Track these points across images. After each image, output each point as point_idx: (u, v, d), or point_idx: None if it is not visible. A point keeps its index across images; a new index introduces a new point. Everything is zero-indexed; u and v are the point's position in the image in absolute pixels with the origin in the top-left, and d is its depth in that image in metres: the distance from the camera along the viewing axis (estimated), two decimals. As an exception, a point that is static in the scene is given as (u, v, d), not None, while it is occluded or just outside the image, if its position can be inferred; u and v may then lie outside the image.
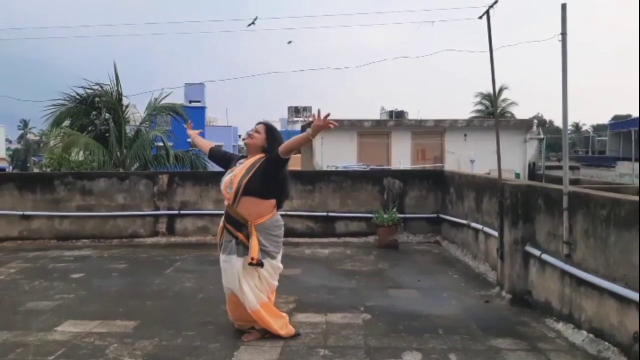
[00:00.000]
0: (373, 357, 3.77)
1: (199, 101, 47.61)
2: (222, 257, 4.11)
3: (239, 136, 63.99)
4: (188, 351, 3.88)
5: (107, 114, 14.97)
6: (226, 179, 4.01)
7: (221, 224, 4.16)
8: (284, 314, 4.32)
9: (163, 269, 6.59)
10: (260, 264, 3.87)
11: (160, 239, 8.65)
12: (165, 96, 15.84)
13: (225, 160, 4.30)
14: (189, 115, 17.42)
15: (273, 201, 4.06)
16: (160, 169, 14.42)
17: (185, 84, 41.81)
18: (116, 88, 14.63)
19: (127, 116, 15.39)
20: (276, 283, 4.17)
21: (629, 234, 3.62)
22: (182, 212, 8.75)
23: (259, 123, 4.18)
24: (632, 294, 3.52)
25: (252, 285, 3.97)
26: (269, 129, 4.12)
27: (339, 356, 3.79)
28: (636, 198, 3.84)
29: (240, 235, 3.96)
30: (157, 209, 8.76)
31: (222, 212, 8.99)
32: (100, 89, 14.63)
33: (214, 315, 4.70)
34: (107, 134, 14.52)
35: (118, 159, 14.32)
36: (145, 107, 16.03)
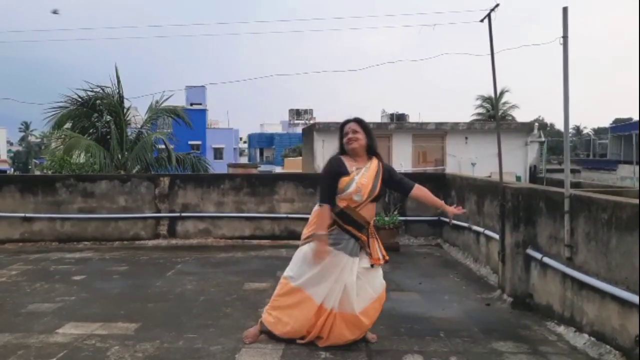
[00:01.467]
0: (374, 360, 3.77)
1: (200, 104, 47.70)
2: (341, 255, 3.88)
3: (240, 139, 64.08)
4: (189, 353, 3.88)
5: (108, 117, 15.01)
6: (352, 188, 3.83)
7: (328, 220, 3.88)
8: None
9: (164, 271, 6.59)
10: (386, 261, 4.01)
11: (161, 241, 8.66)
12: (167, 99, 15.92)
13: (334, 183, 3.92)
14: (190, 118, 17.48)
15: None
16: (161, 172, 14.44)
17: (187, 86, 41.94)
18: (117, 90, 14.67)
19: (128, 119, 15.44)
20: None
21: (631, 237, 3.62)
22: (183, 214, 8.75)
23: (349, 122, 4.02)
24: (634, 297, 3.52)
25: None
26: (362, 123, 4.03)
27: (340, 359, 3.79)
28: (637, 201, 3.84)
29: (363, 237, 3.92)
30: (159, 211, 8.77)
31: (223, 214, 9.02)
32: (101, 91, 14.67)
33: (215, 318, 4.70)
34: (109, 137, 14.55)
35: (119, 162, 14.35)
36: (146, 109, 16.09)
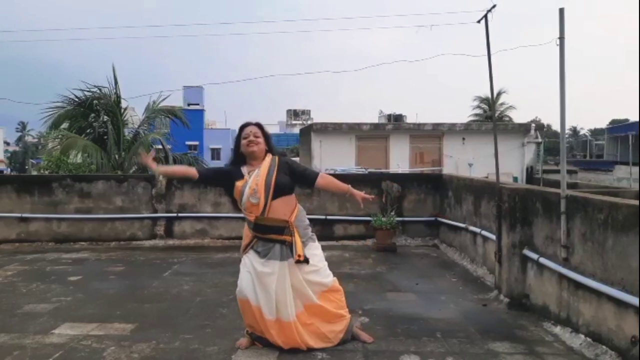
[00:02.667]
0: (371, 361, 3.77)
1: (197, 104, 47.63)
2: (263, 266, 3.79)
3: (238, 139, 63.97)
4: (185, 354, 3.87)
5: (105, 117, 14.98)
6: (246, 192, 3.77)
7: (248, 236, 3.90)
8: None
9: (161, 271, 6.58)
10: (306, 261, 3.76)
11: (158, 241, 8.65)
12: (164, 99, 15.89)
13: (223, 176, 4.01)
14: (188, 118, 17.46)
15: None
16: (158, 172, 14.39)
17: (184, 86, 41.86)
18: (115, 90, 14.64)
19: (125, 119, 15.41)
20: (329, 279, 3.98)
21: (627, 238, 3.62)
22: (180, 215, 8.75)
23: (248, 125, 3.93)
24: (630, 298, 3.52)
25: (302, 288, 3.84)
26: (262, 128, 3.97)
27: (336, 359, 3.79)
28: (634, 202, 3.85)
29: (287, 238, 3.77)
30: (155, 211, 8.76)
31: (220, 214, 9.01)
32: (98, 91, 14.65)
33: (211, 319, 4.70)
34: (106, 137, 14.52)
35: (116, 162, 14.32)
36: (143, 109, 16.06)
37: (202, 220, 8.78)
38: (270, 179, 3.77)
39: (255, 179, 3.78)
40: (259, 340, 3.99)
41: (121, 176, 9.39)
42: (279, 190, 3.78)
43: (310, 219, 9.20)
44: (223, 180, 3.98)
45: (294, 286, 3.80)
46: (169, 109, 16.33)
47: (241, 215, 9.02)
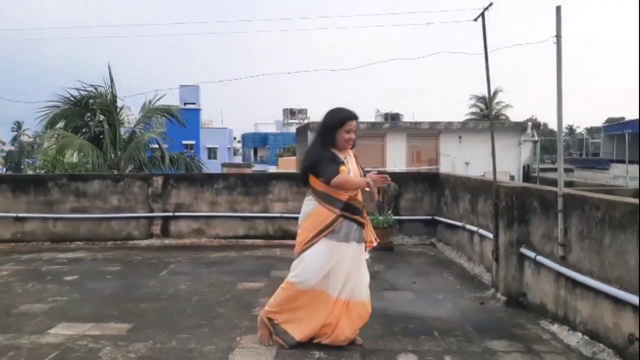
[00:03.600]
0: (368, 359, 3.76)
1: (194, 103, 47.58)
2: (342, 246, 3.88)
3: (234, 138, 63.97)
4: (182, 354, 3.86)
5: (101, 116, 14.97)
6: (352, 175, 3.95)
7: (327, 218, 3.89)
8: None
9: (157, 271, 6.56)
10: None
11: (154, 241, 8.62)
12: (160, 98, 15.86)
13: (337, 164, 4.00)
14: (184, 117, 17.43)
15: None
16: (155, 171, 14.39)
17: (180, 85, 41.74)
18: (110, 90, 14.63)
19: (121, 118, 15.39)
20: None
21: (624, 236, 3.62)
22: (176, 214, 8.72)
23: (351, 117, 3.98)
24: (628, 296, 3.52)
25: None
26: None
27: (334, 358, 3.78)
28: (631, 200, 3.85)
29: (365, 220, 4.04)
30: (152, 211, 8.73)
31: (217, 214, 8.98)
32: (94, 90, 14.63)
33: (208, 318, 4.68)
34: (102, 136, 14.50)
35: (112, 161, 14.30)
36: (139, 109, 16.03)
37: (198, 220, 8.75)
38: (360, 169, 4.08)
39: (353, 167, 4.00)
40: (283, 336, 3.96)
41: (117, 175, 9.36)
42: None
43: (307, 218, 9.13)
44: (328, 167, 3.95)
45: (361, 268, 4.00)
46: (165, 108, 16.30)
47: (237, 215, 8.97)
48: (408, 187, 8.87)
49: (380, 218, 8.01)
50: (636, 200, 3.76)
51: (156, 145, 16.04)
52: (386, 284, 6.00)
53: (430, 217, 8.71)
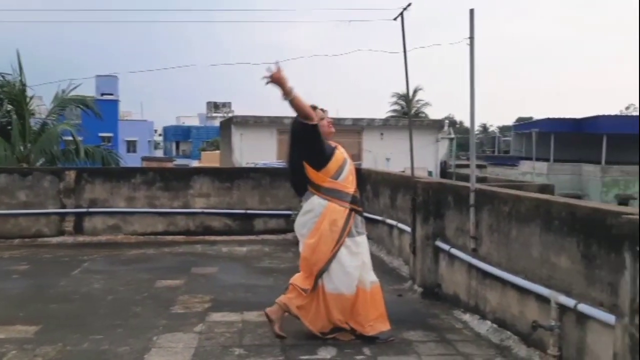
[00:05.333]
0: (289, 355, 3.77)
1: (111, 94, 45.67)
2: (357, 239, 4.02)
3: (155, 131, 62.05)
4: (95, 356, 3.70)
5: (9, 106, 14.07)
6: (347, 166, 4.07)
7: (342, 217, 3.93)
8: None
9: (69, 270, 6.25)
10: None
11: (67, 238, 8.19)
12: (74, 88, 15.06)
13: (324, 142, 4.09)
14: (101, 109, 16.70)
15: None
16: (69, 165, 13.71)
17: (97, 75, 39.85)
18: (19, 78, 13.76)
19: (31, 108, 14.52)
20: None
21: (529, 229, 3.85)
22: (91, 210, 8.33)
23: (315, 107, 4.09)
24: (531, 285, 3.75)
25: None
26: None
27: (254, 355, 3.76)
28: (536, 195, 4.11)
29: (362, 210, 4.17)
30: (64, 207, 8.29)
31: (135, 209, 8.68)
32: (2, 79, 13.73)
33: (123, 318, 4.51)
34: (10, 127, 13.64)
35: (21, 154, 13.47)
36: (52, 99, 15.18)
37: (115, 216, 8.41)
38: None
39: (346, 155, 4.11)
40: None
41: (25, 169, 8.83)
42: None
43: (229, 214, 9.12)
44: (322, 145, 4.00)
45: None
46: (80, 99, 15.53)
47: (156, 210, 8.71)
48: (330, 182, 8.95)
49: (303, 213, 8.04)
50: (540, 195, 4.02)
51: (70, 138, 15.26)
52: (308, 278, 6.04)
53: (352, 212, 8.85)
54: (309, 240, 3.97)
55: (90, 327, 4.28)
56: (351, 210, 3.98)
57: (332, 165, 3.99)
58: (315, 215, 3.94)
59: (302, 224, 4.05)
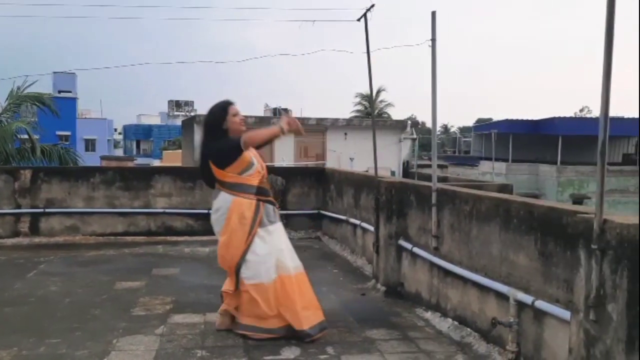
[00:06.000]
0: (252, 355, 3.75)
1: (69, 91, 44.50)
2: (269, 228, 4.05)
3: (115, 130, 60.74)
4: (52, 360, 3.60)
5: (-41, 102, 13.52)
6: (256, 161, 4.10)
7: (251, 209, 3.97)
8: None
9: (25, 272, 6.04)
10: None
11: (22, 239, 7.93)
12: (30, 85, 14.61)
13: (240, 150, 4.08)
14: (58, 107, 16.24)
15: None
16: (24, 164, 13.29)
17: (54, 72, 38.72)
18: (-29, 74, 13.23)
19: (-16, 105, 14.00)
20: None
21: (489, 228, 3.93)
22: (47, 210, 8.09)
23: (231, 103, 4.12)
24: (491, 283, 3.83)
25: None
26: None
27: (217, 356, 3.72)
28: (495, 194, 4.20)
29: (274, 200, 4.23)
30: (19, 207, 8.02)
31: (93, 210, 8.49)
32: (-49, 73, 13.17)
33: (82, 321, 4.39)
34: (-40, 125, 13.11)
35: (-26, 152, 12.97)
36: (6, 96, 14.67)
37: (72, 216, 8.19)
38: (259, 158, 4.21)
39: (255, 155, 4.14)
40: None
41: (-22, 168, 8.48)
42: None
43: (192, 214, 8.98)
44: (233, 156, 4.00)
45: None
46: (36, 96, 15.07)
47: (116, 210, 8.55)
48: (295, 182, 8.96)
49: (267, 213, 8.01)
50: (499, 195, 4.11)
51: (25, 136, 14.78)
52: (271, 278, 6.01)
53: (316, 212, 8.87)
54: (222, 237, 4.05)
55: (46, 330, 4.15)
56: (259, 201, 4.02)
57: (236, 167, 3.99)
58: (224, 212, 4.00)
59: (215, 222, 4.14)
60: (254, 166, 4.05)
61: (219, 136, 4.04)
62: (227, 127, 4.03)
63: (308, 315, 4.01)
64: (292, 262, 4.10)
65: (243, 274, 3.97)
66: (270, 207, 4.12)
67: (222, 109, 4.07)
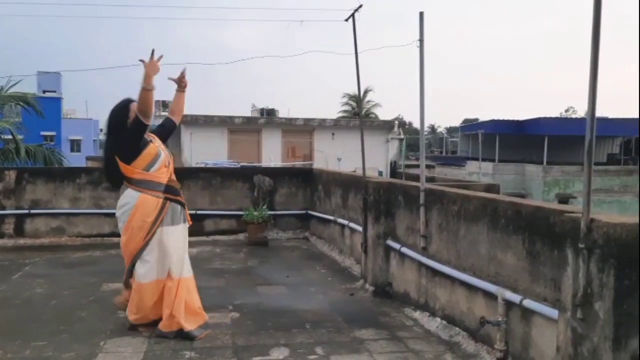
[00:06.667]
0: (241, 356, 3.74)
1: (54, 91, 44.01)
2: (170, 229, 4.03)
3: (100, 130, 60.17)
4: (38, 363, 3.56)
5: (-59, 102, 13.30)
6: (163, 156, 4.06)
7: (156, 206, 3.96)
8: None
9: (9, 274, 5.97)
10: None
11: (7, 241, 7.82)
12: (14, 84, 14.42)
13: (142, 137, 4.05)
14: (43, 107, 16.05)
15: None
16: (8, 165, 13.12)
17: (39, 72, 38.27)
18: (-47, 73, 13.04)
19: (-33, 105, 13.80)
20: None
21: (476, 227, 3.96)
22: (32, 211, 8.00)
23: (133, 101, 4.06)
24: (479, 282, 3.85)
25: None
26: None
27: (205, 357, 3.71)
28: (482, 194, 4.22)
29: (183, 199, 4.19)
30: (3, 208, 7.93)
31: (79, 210, 8.39)
32: None
33: (68, 323, 4.35)
34: (-58, 125, 12.90)
35: (-43, 153, 12.79)
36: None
37: (58, 217, 8.10)
38: (166, 146, 4.19)
39: (159, 143, 4.11)
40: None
41: (-39, 169, 8.36)
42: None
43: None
44: (139, 141, 3.97)
45: (186, 246, 4.20)
46: (20, 96, 14.88)
47: (102, 211, 8.44)
48: (283, 182, 8.94)
49: (255, 213, 8.00)
50: (487, 195, 4.13)
51: (9, 136, 14.59)
52: (260, 279, 6.01)
53: (304, 212, 8.87)
54: (123, 234, 4.07)
55: (32, 333, 4.10)
56: (166, 199, 4.03)
57: (144, 158, 3.99)
58: (129, 209, 4.00)
59: (119, 218, 4.13)
60: (160, 157, 4.03)
61: (122, 133, 4.04)
62: (130, 124, 4.04)
63: (180, 317, 4.02)
64: (181, 267, 4.10)
65: (136, 271, 4.05)
66: (178, 207, 4.12)
67: (123, 108, 4.08)
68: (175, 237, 4.06)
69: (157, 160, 4.01)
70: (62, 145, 37.88)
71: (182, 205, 4.15)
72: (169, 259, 4.02)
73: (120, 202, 4.08)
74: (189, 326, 4.02)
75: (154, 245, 3.98)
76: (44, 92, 40.15)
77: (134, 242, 3.98)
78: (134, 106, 4.02)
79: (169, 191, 4.04)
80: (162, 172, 4.03)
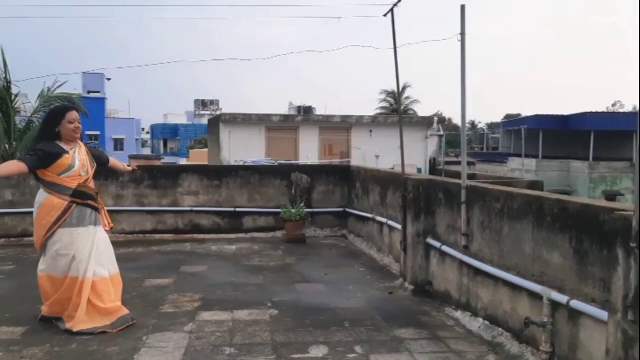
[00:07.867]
0: (280, 353, 3.74)
1: (98, 91, 45.25)
2: (75, 230, 4.18)
3: (142, 129, 61.63)
4: (83, 356, 3.65)
5: (-7, 103, 13.80)
6: (77, 165, 4.22)
7: (59, 208, 4.14)
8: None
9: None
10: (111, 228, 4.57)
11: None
12: (60, 85, 14.83)
13: (51, 155, 4.18)
14: (87, 106, 16.50)
15: None
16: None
17: (83, 72, 39.42)
18: (4, 75, 13.52)
19: (16, 106, 14.29)
20: None
21: (521, 225, 3.84)
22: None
23: (71, 108, 4.40)
24: (523, 282, 3.74)
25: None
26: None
27: (245, 354, 3.73)
28: (527, 191, 4.10)
29: (100, 205, 4.39)
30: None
31: (122, 208, 8.56)
32: (-15, 75, 13.46)
33: (112, 317, 4.44)
34: (-6, 125, 13.39)
35: (7, 152, 13.25)
36: (37, 96, 14.97)
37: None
38: (92, 160, 4.42)
39: (80, 156, 4.28)
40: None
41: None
42: (96, 170, 4.45)
43: (218, 211, 9.02)
44: (51, 158, 4.16)
45: (99, 248, 4.27)
46: (65, 96, 15.29)
47: (144, 209, 8.58)
48: (320, 179, 8.93)
49: (293, 211, 8.01)
50: (532, 192, 4.01)
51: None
52: (298, 276, 6.01)
53: (341, 209, 8.84)
54: (34, 229, 4.28)
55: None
56: (72, 202, 4.15)
57: (58, 166, 4.14)
58: (38, 207, 4.20)
59: (33, 213, 4.28)
60: (73, 168, 4.19)
61: (48, 137, 4.21)
62: (60, 130, 4.20)
63: (82, 318, 4.09)
64: (82, 267, 4.15)
65: (39, 265, 4.28)
66: (88, 210, 4.25)
67: (59, 113, 4.29)
68: (81, 238, 4.18)
69: (70, 169, 4.18)
70: (105, 144, 39.00)
71: (95, 209, 4.30)
72: (70, 259, 4.14)
73: (36, 198, 4.29)
74: (90, 325, 4.08)
75: (53, 243, 4.15)
76: (89, 92, 41.30)
77: (38, 237, 4.22)
78: (70, 116, 4.23)
79: (78, 195, 4.18)
80: (74, 179, 4.19)
